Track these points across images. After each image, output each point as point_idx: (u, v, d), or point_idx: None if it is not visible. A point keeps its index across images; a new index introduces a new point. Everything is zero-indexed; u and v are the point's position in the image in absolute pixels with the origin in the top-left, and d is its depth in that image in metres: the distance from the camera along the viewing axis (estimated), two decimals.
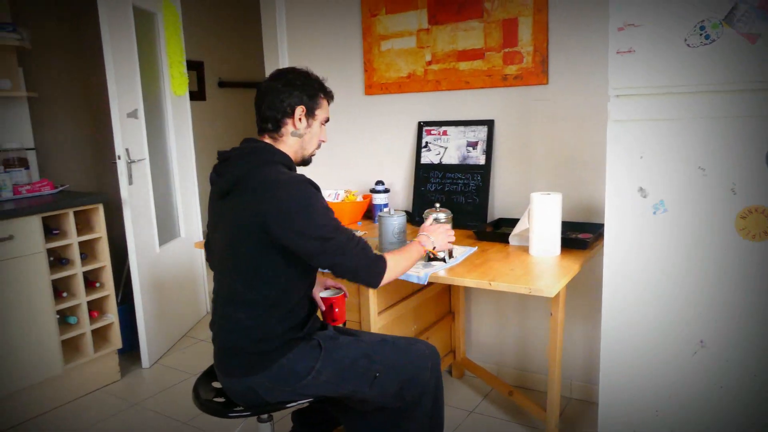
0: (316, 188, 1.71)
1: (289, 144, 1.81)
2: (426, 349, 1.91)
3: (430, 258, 2.14)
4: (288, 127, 1.79)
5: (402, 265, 1.83)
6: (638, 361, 1.93)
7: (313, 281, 1.84)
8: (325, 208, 1.69)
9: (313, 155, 1.90)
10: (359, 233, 2.60)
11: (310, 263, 1.71)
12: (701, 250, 1.77)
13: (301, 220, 1.63)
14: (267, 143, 1.79)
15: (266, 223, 1.63)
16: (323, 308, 2.01)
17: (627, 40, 1.75)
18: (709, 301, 1.79)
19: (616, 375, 1.97)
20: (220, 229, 1.78)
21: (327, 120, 1.89)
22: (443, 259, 2.13)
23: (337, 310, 2.01)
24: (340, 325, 2.05)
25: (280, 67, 3.23)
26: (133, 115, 3.17)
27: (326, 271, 1.80)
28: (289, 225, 1.62)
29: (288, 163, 1.78)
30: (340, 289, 2.05)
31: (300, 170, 3.38)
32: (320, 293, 2.02)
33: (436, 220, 2.17)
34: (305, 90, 1.80)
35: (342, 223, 2.08)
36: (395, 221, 2.21)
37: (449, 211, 2.21)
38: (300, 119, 1.79)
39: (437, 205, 2.22)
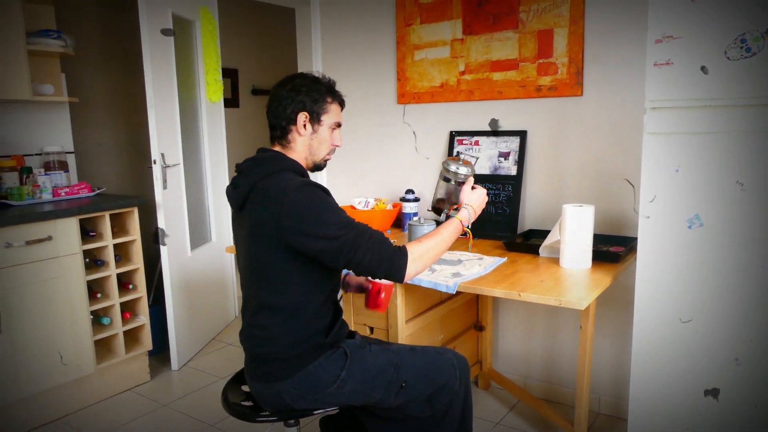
0: (325, 191, 1.70)
1: (298, 151, 1.81)
2: (455, 359, 1.90)
3: (433, 209, 2.02)
4: (294, 134, 1.80)
5: (433, 251, 1.75)
6: (670, 378, 1.89)
7: (337, 285, 1.85)
8: (334, 207, 1.67)
9: (327, 159, 1.88)
10: None
11: (328, 265, 1.69)
12: (737, 266, 1.74)
13: (310, 222, 1.62)
14: (276, 152, 1.80)
15: (280, 230, 1.64)
16: (369, 289, 1.99)
17: (665, 52, 1.73)
18: (744, 319, 1.75)
19: (646, 391, 1.94)
20: (242, 240, 1.80)
21: (338, 125, 1.86)
22: (441, 220, 2.00)
23: (383, 295, 1.97)
24: (382, 311, 2.02)
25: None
26: (169, 119, 3.23)
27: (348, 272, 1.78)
28: (300, 228, 1.62)
29: (298, 170, 1.78)
30: None
31: (327, 175, 3.41)
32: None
33: (455, 173, 1.99)
34: (309, 95, 1.78)
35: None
36: (425, 230, 2.21)
37: (472, 165, 2.04)
38: (304, 125, 1.79)
39: (459, 153, 2.04)
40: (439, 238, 1.79)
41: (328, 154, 1.88)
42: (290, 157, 1.79)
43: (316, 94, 1.80)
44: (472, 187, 1.98)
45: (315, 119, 1.80)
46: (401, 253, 1.69)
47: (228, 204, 3.97)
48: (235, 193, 1.78)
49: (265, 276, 1.73)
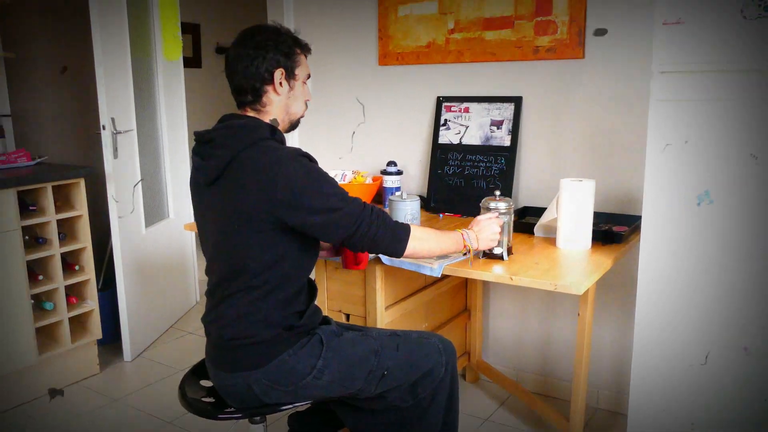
0: (313, 161, 1.75)
1: (274, 113, 1.82)
2: (440, 344, 1.92)
3: (485, 254, 2.08)
4: (270, 95, 1.80)
5: (430, 244, 1.86)
6: (674, 368, 1.92)
7: (312, 266, 1.86)
8: (329, 178, 1.73)
9: (302, 117, 1.91)
10: None
11: (324, 239, 1.76)
12: (750, 247, 1.76)
13: (310, 194, 1.66)
14: (252, 117, 1.80)
15: (273, 204, 1.65)
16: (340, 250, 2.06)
17: (675, 10, 1.74)
18: (756, 305, 1.78)
19: (648, 383, 1.97)
20: (210, 218, 1.79)
21: (308, 76, 1.89)
22: (500, 256, 2.07)
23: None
24: (363, 268, 2.11)
25: None
26: (120, 82, 3.18)
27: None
28: (297, 202, 1.65)
29: (279, 137, 1.80)
30: None
31: (299, 145, 3.40)
32: None
33: (494, 209, 2.06)
34: (279, 49, 1.79)
35: None
36: (408, 206, 2.20)
37: (510, 200, 2.11)
38: (281, 83, 1.80)
39: (497, 193, 2.09)
40: (441, 237, 1.90)
41: (304, 111, 1.90)
42: (267, 123, 1.79)
43: (286, 48, 1.80)
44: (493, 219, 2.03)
45: (290, 74, 1.82)
46: (404, 227, 1.81)
47: (189, 176, 3.97)
48: (205, 165, 1.76)
49: (242, 256, 1.73)
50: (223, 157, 1.72)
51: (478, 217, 2.04)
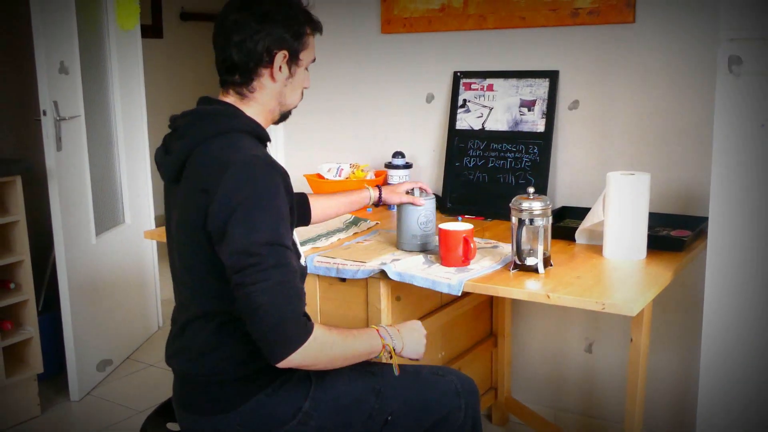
0: (282, 174, 1.68)
1: (263, 102, 1.81)
2: (459, 383, 1.91)
3: (516, 265, 2.08)
4: (263, 80, 1.79)
5: (338, 350, 1.68)
6: (750, 404, 1.91)
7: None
8: (276, 210, 1.63)
9: (295, 107, 1.91)
10: (368, 224, 2.60)
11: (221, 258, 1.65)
12: None
13: (236, 219, 1.59)
14: (228, 105, 1.79)
15: (206, 214, 1.63)
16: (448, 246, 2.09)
17: None
18: None
19: (719, 424, 1.96)
20: (173, 225, 1.80)
21: (313, 61, 1.88)
22: (535, 269, 2.06)
23: (472, 245, 2.07)
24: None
25: None
26: (63, 66, 3.19)
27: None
28: (221, 221, 1.60)
29: (256, 131, 1.78)
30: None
31: (284, 132, 3.39)
32: (442, 225, 2.10)
33: (527, 210, 2.05)
34: (289, 26, 1.77)
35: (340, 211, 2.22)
36: (421, 208, 2.19)
37: (547, 199, 2.10)
38: (280, 68, 1.79)
39: (530, 190, 2.08)
40: (355, 340, 1.74)
41: (299, 100, 1.90)
42: (246, 114, 1.79)
43: (296, 25, 1.79)
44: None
45: (293, 59, 1.81)
46: (303, 324, 1.61)
47: (148, 173, 3.98)
48: (167, 160, 1.77)
49: (196, 275, 1.73)
50: (182, 151, 1.72)
51: (404, 324, 1.91)
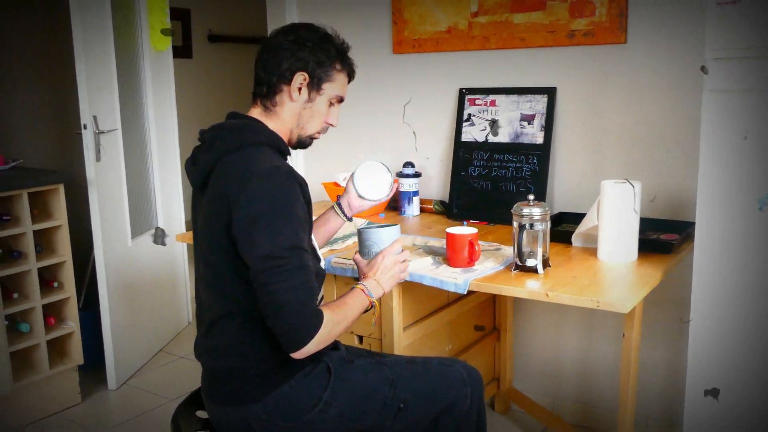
0: (300, 183, 1.70)
1: (284, 119, 1.82)
2: (465, 372, 1.92)
3: (518, 266, 2.07)
4: (283, 97, 1.81)
5: (342, 324, 1.72)
6: (735, 397, 1.91)
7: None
8: (296, 216, 1.66)
9: (315, 138, 1.90)
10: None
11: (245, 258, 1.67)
12: None
13: (260, 226, 1.61)
14: (251, 119, 1.81)
15: (230, 221, 1.65)
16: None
17: None
18: None
19: (705, 414, 1.95)
20: (199, 229, 1.81)
21: (340, 100, 1.88)
22: (534, 269, 2.06)
23: (477, 248, 2.09)
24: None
25: (286, 18, 3.25)
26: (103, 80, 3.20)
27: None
28: (246, 228, 1.63)
29: (277, 145, 1.79)
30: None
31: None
32: (449, 229, 2.11)
33: (527, 216, 2.04)
34: (315, 53, 1.79)
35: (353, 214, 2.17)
36: (384, 234, 1.98)
37: (546, 206, 2.08)
38: (299, 89, 1.80)
39: (531, 197, 2.07)
40: (348, 310, 1.75)
41: (318, 132, 1.89)
42: (269, 128, 1.80)
43: (323, 55, 1.81)
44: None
45: (315, 85, 1.82)
46: (319, 315, 1.64)
47: (180, 180, 3.99)
48: (195, 169, 1.79)
49: (220, 276, 1.75)
50: (207, 162, 1.74)
51: (378, 256, 1.91)
